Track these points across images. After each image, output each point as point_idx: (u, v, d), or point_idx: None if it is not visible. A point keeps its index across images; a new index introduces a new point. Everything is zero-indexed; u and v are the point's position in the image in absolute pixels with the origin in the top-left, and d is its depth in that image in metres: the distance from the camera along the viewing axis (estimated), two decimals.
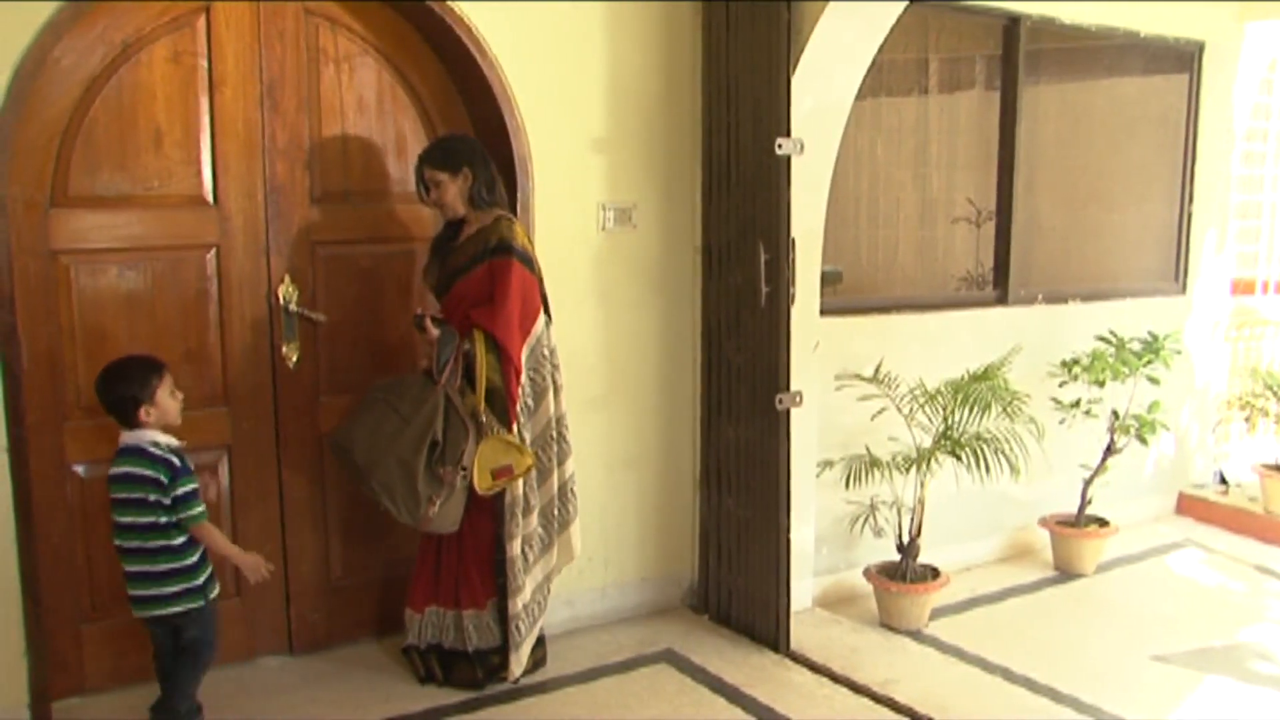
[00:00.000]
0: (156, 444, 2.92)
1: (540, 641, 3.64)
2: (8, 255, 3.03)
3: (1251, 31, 5.41)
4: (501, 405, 3.31)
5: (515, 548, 3.39)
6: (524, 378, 3.37)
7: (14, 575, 3.12)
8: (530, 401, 3.41)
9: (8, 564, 3.10)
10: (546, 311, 3.46)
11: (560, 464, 3.53)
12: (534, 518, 3.46)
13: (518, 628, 3.44)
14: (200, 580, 3.00)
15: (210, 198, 3.43)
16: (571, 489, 3.58)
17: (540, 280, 3.44)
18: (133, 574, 2.96)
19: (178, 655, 3.05)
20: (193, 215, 3.41)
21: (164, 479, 2.88)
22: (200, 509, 2.95)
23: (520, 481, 3.37)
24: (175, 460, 2.91)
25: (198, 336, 3.45)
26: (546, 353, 3.43)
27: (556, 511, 3.54)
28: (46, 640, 3.21)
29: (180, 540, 2.94)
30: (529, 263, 3.36)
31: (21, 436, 3.08)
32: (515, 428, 3.34)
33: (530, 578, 3.47)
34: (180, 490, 2.90)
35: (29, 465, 3.11)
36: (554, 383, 3.47)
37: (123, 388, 2.91)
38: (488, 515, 3.42)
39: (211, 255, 3.45)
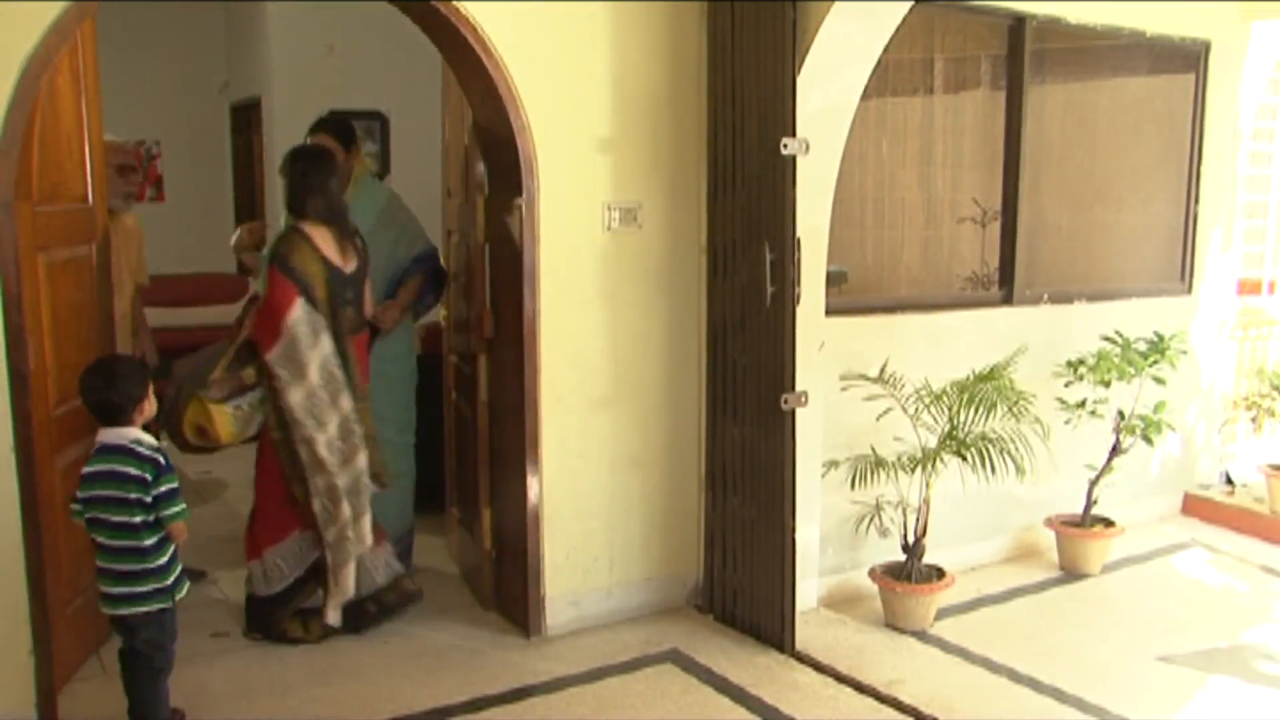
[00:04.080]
0: (139, 442, 2.92)
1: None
2: (15, 255, 3.02)
3: (1258, 31, 5.38)
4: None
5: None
6: (278, 353, 3.59)
7: (20, 575, 3.12)
8: (284, 373, 3.62)
9: (14, 564, 3.11)
10: (312, 302, 3.63)
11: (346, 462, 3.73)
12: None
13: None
14: (169, 581, 2.97)
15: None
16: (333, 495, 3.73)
17: (292, 276, 3.62)
18: (99, 569, 2.96)
19: (132, 660, 3.02)
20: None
21: (149, 477, 2.88)
22: (180, 507, 2.93)
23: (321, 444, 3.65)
24: (160, 459, 2.91)
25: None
26: (303, 345, 3.61)
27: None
28: (52, 638, 3.21)
29: (150, 541, 2.91)
30: (279, 264, 3.65)
31: (29, 436, 3.09)
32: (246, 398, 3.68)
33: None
34: (163, 488, 2.89)
35: (35, 464, 3.11)
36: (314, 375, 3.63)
37: (123, 386, 2.91)
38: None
39: None
